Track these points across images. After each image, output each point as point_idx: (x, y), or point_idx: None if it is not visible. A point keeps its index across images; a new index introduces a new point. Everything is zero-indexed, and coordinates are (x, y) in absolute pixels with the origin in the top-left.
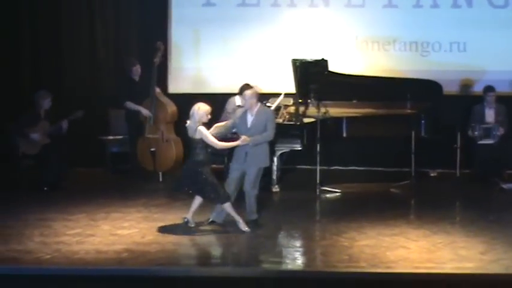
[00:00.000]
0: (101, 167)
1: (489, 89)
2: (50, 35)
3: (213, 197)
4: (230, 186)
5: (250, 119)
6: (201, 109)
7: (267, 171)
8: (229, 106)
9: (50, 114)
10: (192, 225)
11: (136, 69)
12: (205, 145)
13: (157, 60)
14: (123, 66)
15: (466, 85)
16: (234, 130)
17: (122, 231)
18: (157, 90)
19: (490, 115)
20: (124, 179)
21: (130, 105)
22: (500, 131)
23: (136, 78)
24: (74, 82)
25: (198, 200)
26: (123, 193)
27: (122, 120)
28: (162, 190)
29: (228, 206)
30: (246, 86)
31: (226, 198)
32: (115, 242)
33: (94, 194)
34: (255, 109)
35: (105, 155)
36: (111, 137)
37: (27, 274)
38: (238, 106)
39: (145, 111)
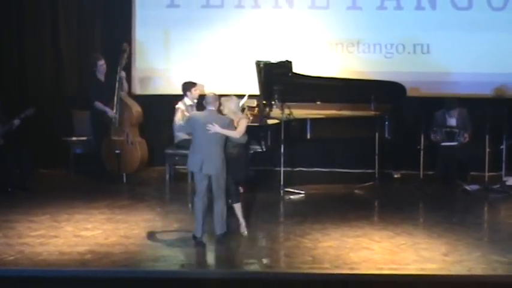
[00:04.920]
0: (65, 168)
1: (450, 106)
2: (13, 35)
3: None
4: None
5: None
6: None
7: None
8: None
9: (1, 116)
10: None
11: (102, 65)
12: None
13: (122, 61)
14: (90, 65)
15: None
16: None
17: (85, 232)
18: (123, 92)
19: (451, 121)
20: (88, 180)
21: (99, 105)
22: (465, 138)
23: (102, 77)
24: (37, 83)
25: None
26: (87, 194)
27: (85, 121)
28: (126, 192)
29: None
30: (190, 84)
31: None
32: (78, 244)
33: (58, 195)
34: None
35: (69, 156)
36: (74, 138)
37: None
38: (189, 105)
39: (111, 113)
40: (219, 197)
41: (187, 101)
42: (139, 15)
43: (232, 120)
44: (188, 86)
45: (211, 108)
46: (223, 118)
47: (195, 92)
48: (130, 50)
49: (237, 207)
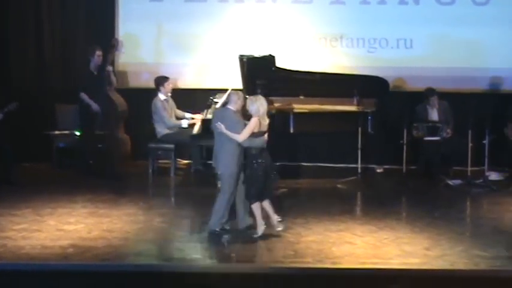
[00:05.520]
0: (48, 162)
1: (431, 92)
2: None
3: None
4: None
5: None
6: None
7: None
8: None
9: None
10: (280, 228)
11: (99, 56)
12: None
13: (111, 56)
14: (87, 55)
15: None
16: None
17: (68, 226)
18: (109, 86)
19: (433, 115)
20: (71, 174)
21: (84, 97)
22: (448, 133)
23: (95, 70)
24: (20, 77)
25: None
26: (70, 188)
27: (68, 115)
28: (109, 186)
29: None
30: (163, 79)
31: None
32: (61, 237)
33: (40, 189)
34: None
35: (52, 150)
36: (57, 132)
37: None
38: (164, 100)
39: (95, 107)
40: (221, 192)
41: (161, 96)
42: (123, 9)
43: (242, 122)
44: (161, 80)
45: (229, 106)
46: (233, 118)
47: (168, 87)
48: (118, 44)
49: (255, 208)
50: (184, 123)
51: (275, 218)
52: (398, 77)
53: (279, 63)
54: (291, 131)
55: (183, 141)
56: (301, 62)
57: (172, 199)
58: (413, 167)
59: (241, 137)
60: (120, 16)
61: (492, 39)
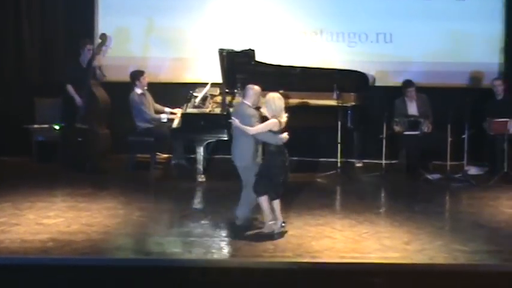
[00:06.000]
0: (27, 156)
1: (408, 84)
2: None
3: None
4: None
5: None
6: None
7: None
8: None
9: None
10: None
11: (90, 50)
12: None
13: (99, 51)
14: (78, 47)
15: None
16: None
17: (47, 220)
18: (94, 81)
19: (412, 108)
20: (50, 168)
21: (70, 89)
22: (429, 128)
23: (84, 63)
24: None
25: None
26: (49, 182)
27: (47, 109)
28: (88, 180)
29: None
30: (138, 73)
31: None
32: (40, 231)
33: (19, 183)
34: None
35: (31, 144)
36: (36, 126)
37: None
38: (141, 94)
39: (78, 100)
40: (243, 186)
41: (137, 90)
42: (102, 3)
43: (256, 116)
44: (137, 74)
45: (244, 101)
46: (246, 112)
47: (144, 81)
48: (106, 40)
49: (262, 201)
50: (164, 117)
51: (280, 220)
52: (378, 71)
53: (259, 57)
54: None
55: (163, 135)
56: (281, 56)
57: (152, 193)
58: (392, 162)
59: (253, 130)
60: (100, 10)
61: (472, 34)
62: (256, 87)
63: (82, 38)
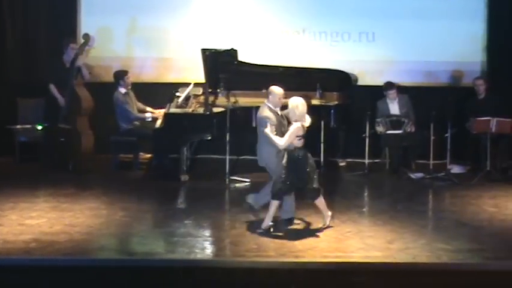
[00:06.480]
0: (9, 156)
1: (389, 87)
2: None
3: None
4: None
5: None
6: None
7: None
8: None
9: None
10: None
11: (73, 49)
12: None
13: (82, 51)
14: (61, 47)
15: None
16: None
17: (30, 221)
18: (77, 81)
19: (394, 108)
20: (32, 168)
21: (53, 89)
22: (412, 129)
23: (68, 63)
24: None
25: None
26: (32, 183)
27: (30, 109)
28: (71, 180)
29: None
30: (122, 72)
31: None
32: (23, 232)
33: (2, 183)
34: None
35: (14, 144)
36: (19, 127)
37: None
38: (125, 94)
39: (61, 100)
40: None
41: (121, 89)
42: (84, 3)
43: (271, 119)
44: (121, 74)
45: (266, 102)
46: (262, 113)
47: (128, 80)
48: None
49: (272, 204)
50: (149, 116)
51: (328, 214)
52: (360, 70)
53: (242, 57)
54: (254, 124)
55: (146, 135)
56: (263, 55)
57: (135, 193)
58: (375, 161)
59: (282, 144)
60: (83, 10)
61: (454, 33)
62: (278, 89)
63: (66, 37)
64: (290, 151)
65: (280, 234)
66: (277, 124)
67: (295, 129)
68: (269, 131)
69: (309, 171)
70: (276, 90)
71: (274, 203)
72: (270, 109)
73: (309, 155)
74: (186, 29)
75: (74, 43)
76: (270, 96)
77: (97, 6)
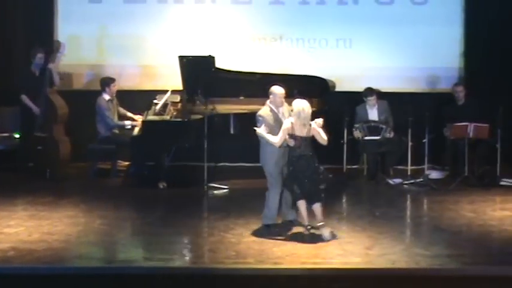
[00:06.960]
0: None
1: (368, 93)
2: None
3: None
4: None
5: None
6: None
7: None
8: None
9: None
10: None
11: (40, 58)
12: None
13: (53, 58)
14: (29, 57)
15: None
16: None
17: (8, 229)
18: (50, 88)
19: (373, 114)
20: (10, 177)
21: (25, 99)
22: (391, 135)
23: (37, 72)
24: None
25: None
26: (9, 191)
27: (7, 117)
28: (49, 188)
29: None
30: (109, 80)
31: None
32: (1, 241)
33: None
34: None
35: None
36: None
37: None
38: (109, 101)
39: (35, 109)
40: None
41: (106, 96)
42: (61, 10)
43: (264, 118)
44: (107, 81)
45: (267, 102)
46: (258, 113)
47: (113, 88)
48: (60, 47)
49: (299, 205)
50: (128, 124)
51: (320, 222)
52: (338, 76)
53: (219, 63)
54: (232, 131)
55: (124, 142)
56: (241, 62)
57: (113, 201)
58: (353, 166)
59: (276, 142)
60: (60, 17)
61: (430, 39)
62: (278, 89)
63: (33, 46)
64: (289, 152)
65: (260, 240)
66: (276, 124)
67: (286, 128)
68: (262, 130)
69: (308, 175)
70: (276, 90)
71: (300, 204)
72: (271, 109)
73: (312, 159)
74: (163, 37)
75: (41, 52)
76: (271, 96)
77: (74, 14)
